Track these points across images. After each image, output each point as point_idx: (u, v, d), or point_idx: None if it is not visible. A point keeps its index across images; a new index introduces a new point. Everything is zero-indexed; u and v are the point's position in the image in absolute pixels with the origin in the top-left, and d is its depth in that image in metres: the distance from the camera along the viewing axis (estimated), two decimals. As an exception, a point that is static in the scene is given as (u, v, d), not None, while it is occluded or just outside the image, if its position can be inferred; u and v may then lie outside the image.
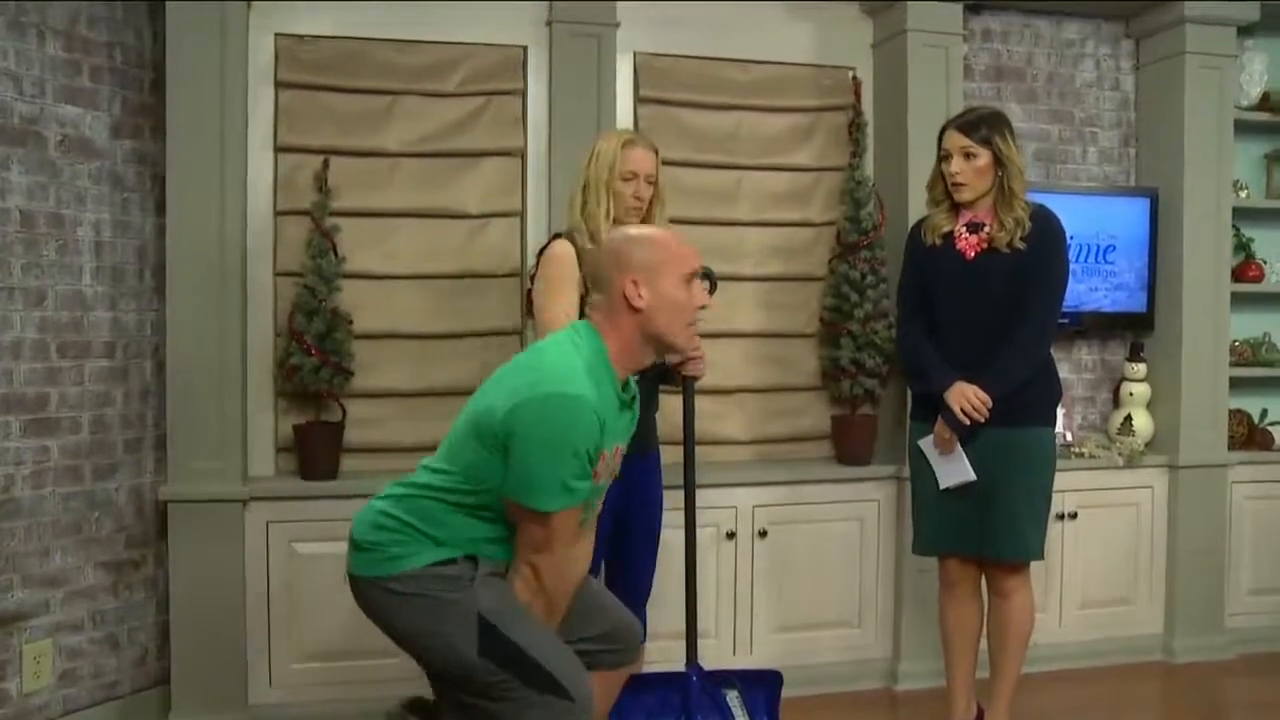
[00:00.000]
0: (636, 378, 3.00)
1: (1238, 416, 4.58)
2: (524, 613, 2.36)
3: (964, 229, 3.22)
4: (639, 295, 2.36)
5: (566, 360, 2.32)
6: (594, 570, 3.07)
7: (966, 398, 3.11)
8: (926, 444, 3.25)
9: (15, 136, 3.26)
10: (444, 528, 2.36)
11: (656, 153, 3.14)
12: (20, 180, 3.27)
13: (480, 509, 2.35)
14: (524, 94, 3.98)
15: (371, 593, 2.39)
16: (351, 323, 3.70)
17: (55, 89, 3.36)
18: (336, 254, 3.68)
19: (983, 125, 3.16)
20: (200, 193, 3.48)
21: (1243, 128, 4.51)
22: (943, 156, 3.21)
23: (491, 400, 2.32)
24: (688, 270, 2.41)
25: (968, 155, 3.15)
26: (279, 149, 3.80)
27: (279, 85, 3.79)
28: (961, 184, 3.17)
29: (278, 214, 3.80)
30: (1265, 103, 4.59)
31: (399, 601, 2.35)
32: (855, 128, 4.24)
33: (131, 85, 3.59)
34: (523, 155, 3.98)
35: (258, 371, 3.74)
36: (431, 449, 2.49)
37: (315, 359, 3.58)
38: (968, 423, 3.11)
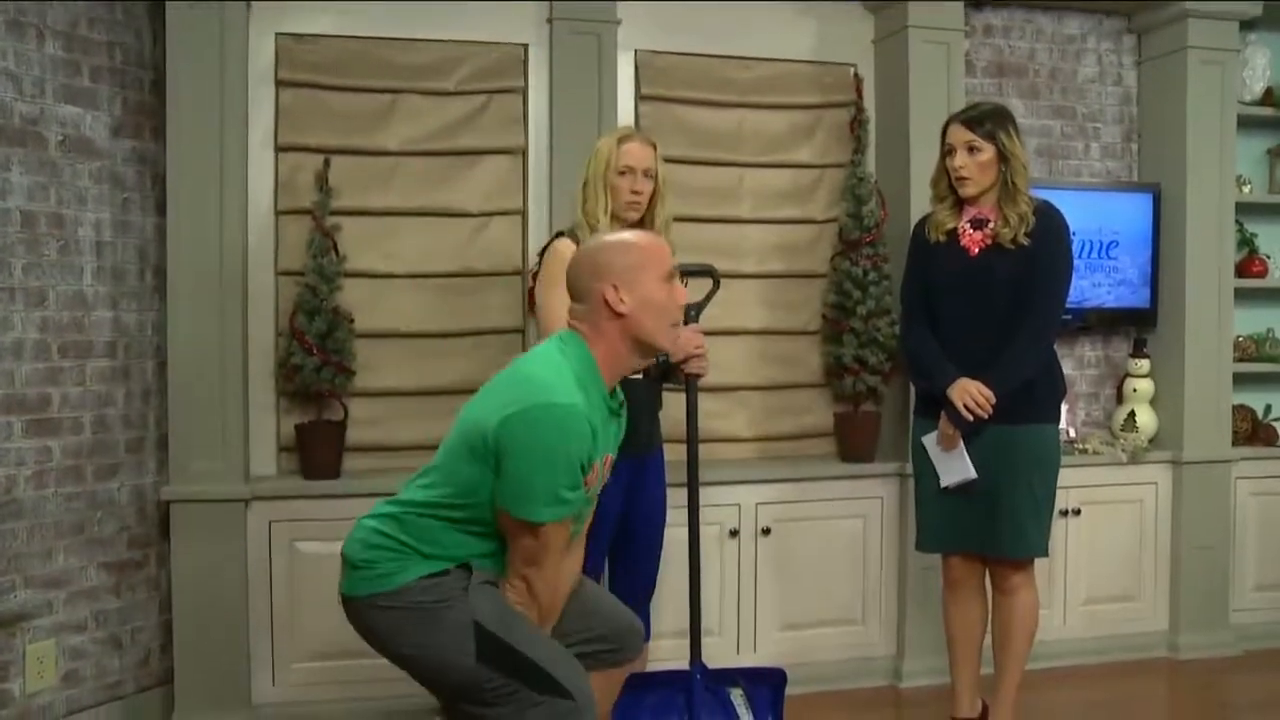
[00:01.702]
0: (639, 376, 3.00)
1: (1241, 412, 4.57)
2: (519, 616, 2.36)
3: (968, 225, 3.21)
4: (620, 300, 2.35)
5: (556, 370, 2.31)
6: (598, 568, 3.08)
7: (970, 394, 3.10)
8: (929, 441, 3.24)
9: (15, 137, 3.25)
10: (436, 544, 2.35)
11: (655, 148, 3.14)
12: (21, 180, 3.27)
13: (472, 523, 2.35)
14: (525, 92, 3.97)
15: (367, 613, 2.38)
16: (353, 322, 3.69)
17: (55, 89, 3.36)
18: (338, 253, 3.68)
19: (987, 120, 3.15)
20: (201, 192, 3.48)
21: (1245, 123, 4.50)
22: (946, 151, 3.21)
23: (482, 413, 2.31)
24: (665, 270, 2.40)
25: (972, 149, 3.14)
26: (279, 148, 3.79)
27: (279, 85, 3.79)
28: (965, 178, 3.16)
29: (278, 213, 3.80)
30: (1268, 98, 4.59)
31: (394, 617, 2.34)
32: (857, 125, 4.23)
33: (132, 85, 3.58)
34: (524, 154, 3.97)
35: (259, 371, 3.74)
36: (433, 448, 2.48)
37: (317, 358, 3.57)
38: (971, 419, 3.11)
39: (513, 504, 2.26)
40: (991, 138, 3.13)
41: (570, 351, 2.36)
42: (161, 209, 3.57)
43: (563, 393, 2.25)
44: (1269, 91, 4.59)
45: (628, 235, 2.49)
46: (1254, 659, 4.37)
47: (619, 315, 2.35)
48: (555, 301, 3.00)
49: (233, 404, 3.53)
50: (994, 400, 3.09)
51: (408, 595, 2.32)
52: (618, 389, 2.48)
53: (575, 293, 2.42)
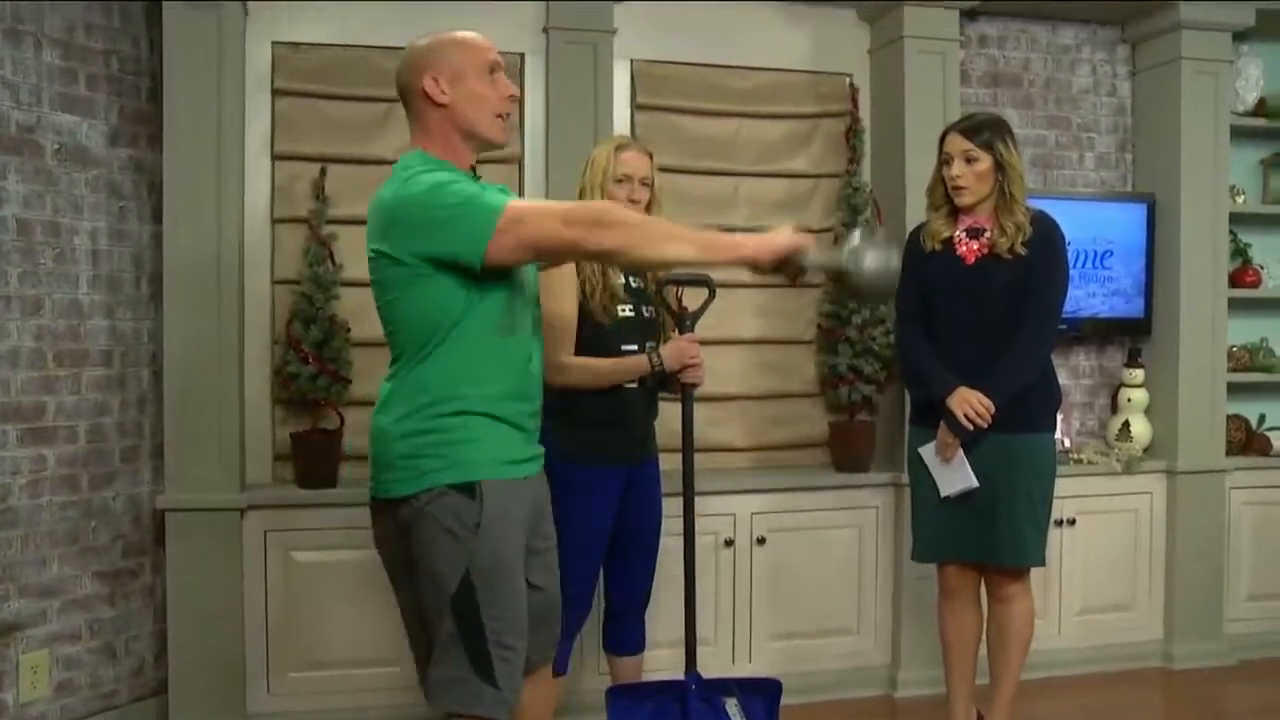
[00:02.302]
0: (635, 385, 2.99)
1: (1235, 422, 4.57)
2: (508, 590, 2.26)
3: (964, 234, 3.22)
4: (441, 91, 2.30)
5: (408, 176, 2.24)
6: (592, 578, 3.08)
7: (969, 403, 3.11)
8: (927, 451, 3.24)
9: (12, 145, 3.25)
10: (448, 384, 2.22)
11: (651, 156, 3.14)
12: (17, 189, 3.27)
13: (457, 344, 2.23)
14: (521, 101, 3.98)
15: (398, 511, 2.25)
16: (349, 330, 3.69)
17: (52, 97, 3.36)
18: (334, 262, 3.68)
19: (984, 129, 3.16)
20: (197, 201, 3.48)
21: (1239, 133, 4.52)
22: (944, 160, 3.21)
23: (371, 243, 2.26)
24: (486, 60, 2.35)
25: (969, 159, 3.15)
26: (276, 157, 3.80)
27: (276, 93, 3.79)
28: (962, 188, 3.17)
29: (275, 222, 3.80)
30: (1261, 108, 4.60)
31: (417, 533, 2.23)
32: (852, 134, 4.25)
33: (128, 93, 3.58)
34: (520, 162, 3.98)
35: (255, 379, 3.74)
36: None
37: (313, 367, 3.57)
38: (971, 428, 3.11)
39: (452, 240, 2.15)
40: (988, 147, 3.14)
41: (415, 165, 2.28)
42: (158, 217, 3.57)
43: (426, 173, 2.21)
44: (1262, 102, 4.60)
45: (449, 32, 2.40)
46: (1248, 669, 4.37)
47: (440, 105, 2.30)
48: (554, 305, 3.00)
49: (228, 412, 3.52)
50: (994, 410, 3.10)
51: (433, 505, 2.20)
52: (474, 168, 2.40)
53: (403, 96, 2.37)
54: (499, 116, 2.36)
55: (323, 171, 3.72)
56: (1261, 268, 4.65)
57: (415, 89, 2.32)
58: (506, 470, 2.27)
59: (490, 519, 2.22)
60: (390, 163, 3.77)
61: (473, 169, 2.38)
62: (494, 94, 2.34)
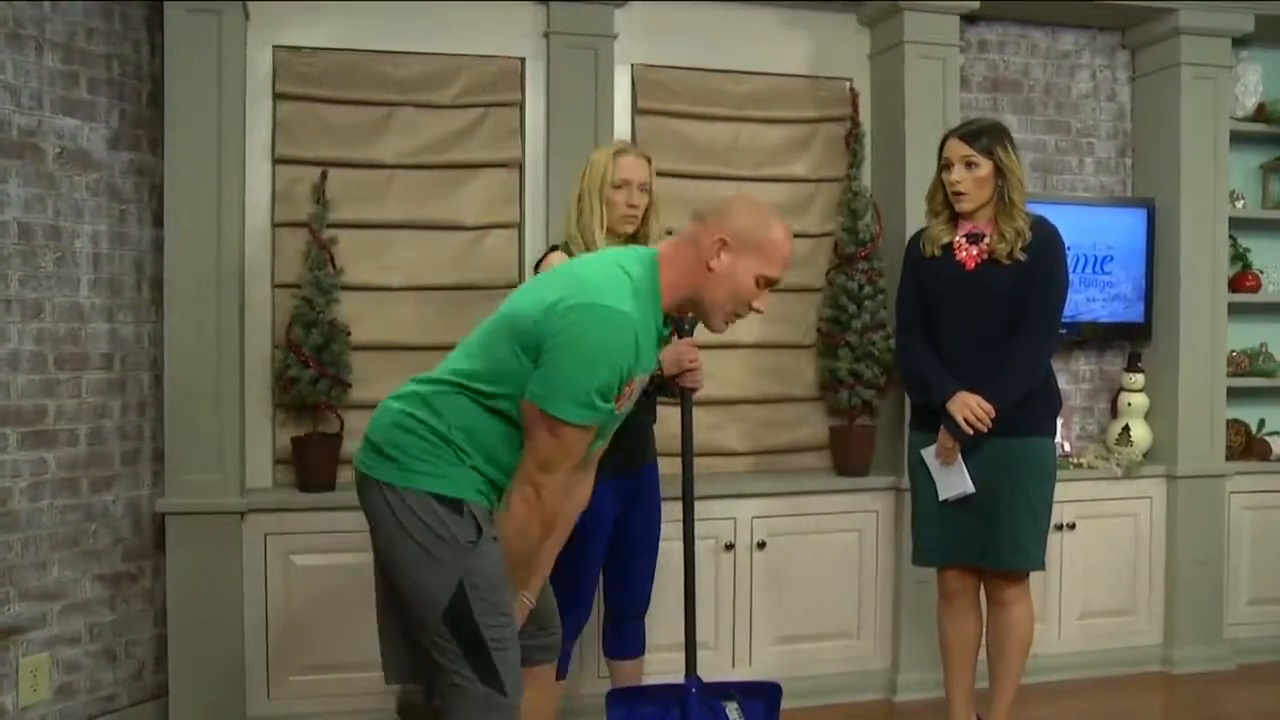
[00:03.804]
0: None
1: (1235, 426, 4.58)
2: (499, 596, 2.30)
3: (964, 240, 3.22)
4: (717, 258, 2.31)
5: (612, 278, 2.25)
6: (592, 583, 3.08)
7: (970, 407, 3.11)
8: (929, 453, 3.24)
9: (13, 149, 3.26)
10: (465, 430, 2.28)
11: (649, 161, 3.15)
12: (18, 193, 3.27)
13: (498, 414, 2.29)
14: (522, 105, 3.99)
15: (376, 495, 2.31)
16: (349, 334, 3.69)
17: (53, 101, 3.36)
18: (334, 266, 3.68)
19: (984, 135, 3.17)
20: (198, 204, 3.48)
21: (1238, 138, 4.53)
22: (943, 166, 3.22)
23: (528, 303, 2.26)
24: (771, 271, 2.35)
25: (969, 164, 3.15)
26: (277, 161, 3.80)
27: (277, 97, 3.80)
28: (962, 193, 3.17)
29: (275, 226, 3.81)
30: (1260, 113, 4.61)
31: (399, 524, 2.27)
32: (852, 139, 4.25)
33: (130, 97, 3.59)
34: (520, 167, 3.98)
35: (255, 383, 3.74)
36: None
37: (313, 371, 3.58)
38: (971, 433, 3.11)
39: (543, 396, 2.20)
40: (988, 153, 3.15)
41: (633, 268, 2.29)
42: (159, 221, 3.58)
43: (616, 298, 2.20)
44: (1261, 107, 4.61)
45: (777, 220, 2.38)
46: (1248, 673, 4.37)
47: (707, 265, 2.32)
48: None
49: (229, 416, 3.53)
50: (994, 414, 3.10)
51: (420, 507, 2.25)
52: (667, 317, 2.43)
53: (696, 214, 2.38)
54: (731, 314, 2.39)
55: (324, 175, 3.73)
56: (1261, 272, 4.66)
57: (706, 233, 2.32)
58: (485, 501, 2.32)
59: (485, 539, 2.28)
60: (390, 166, 3.85)
61: (669, 319, 2.44)
62: (747, 298, 2.37)
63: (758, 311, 2.41)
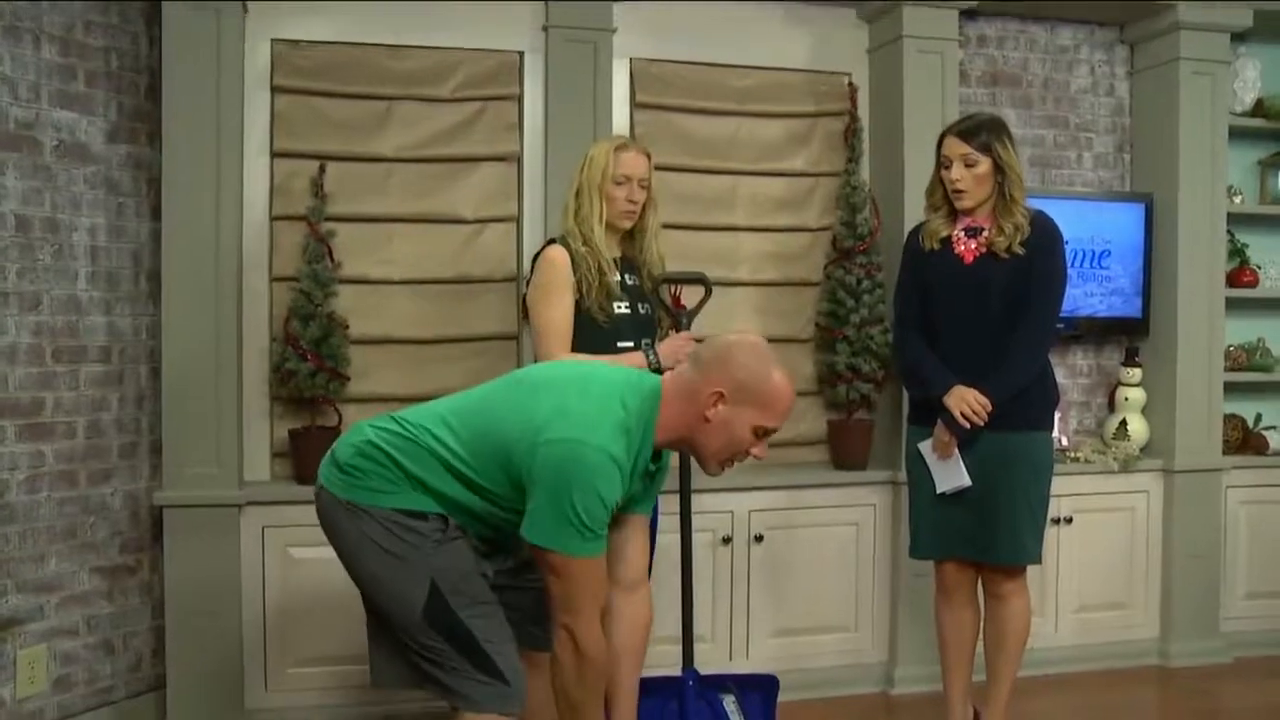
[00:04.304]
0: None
1: (1232, 421, 4.59)
2: (477, 585, 2.32)
3: (962, 233, 3.22)
4: (714, 408, 2.31)
5: (604, 410, 2.26)
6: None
7: (967, 401, 3.11)
8: (926, 447, 3.25)
9: (11, 141, 3.25)
10: (430, 484, 2.30)
11: (649, 157, 3.15)
12: (16, 185, 3.27)
13: (472, 486, 2.31)
14: (520, 99, 3.98)
15: (336, 511, 2.34)
16: (347, 328, 3.69)
17: (51, 94, 3.36)
18: (332, 259, 3.68)
19: (982, 131, 3.16)
20: (196, 198, 3.49)
21: (1236, 133, 4.53)
22: (942, 164, 3.21)
23: (522, 423, 2.26)
24: (769, 423, 2.34)
25: (968, 163, 3.15)
26: (275, 154, 3.80)
27: (275, 90, 3.79)
28: (962, 191, 3.17)
29: (273, 219, 3.80)
30: (1259, 109, 4.61)
31: (362, 530, 2.30)
32: (851, 133, 4.25)
33: (127, 90, 3.59)
34: (519, 161, 3.98)
35: (253, 376, 3.74)
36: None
37: (311, 364, 3.58)
38: (968, 426, 3.11)
39: (539, 537, 2.22)
40: (987, 149, 3.14)
41: (632, 401, 2.30)
42: (157, 214, 3.58)
43: (602, 435, 2.21)
44: (1260, 102, 4.61)
45: (779, 374, 2.35)
46: (1244, 667, 4.38)
47: (704, 415, 2.32)
48: (548, 309, 3.01)
49: (226, 409, 3.53)
50: (991, 408, 3.10)
51: (382, 518, 2.28)
52: (664, 453, 2.45)
53: (698, 358, 2.36)
54: (727, 460, 2.39)
55: (321, 169, 3.72)
56: (1259, 268, 4.66)
57: (706, 382, 2.31)
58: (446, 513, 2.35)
59: (449, 536, 2.31)
60: (389, 160, 3.85)
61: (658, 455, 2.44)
62: (743, 446, 2.35)
63: (756, 458, 2.41)
